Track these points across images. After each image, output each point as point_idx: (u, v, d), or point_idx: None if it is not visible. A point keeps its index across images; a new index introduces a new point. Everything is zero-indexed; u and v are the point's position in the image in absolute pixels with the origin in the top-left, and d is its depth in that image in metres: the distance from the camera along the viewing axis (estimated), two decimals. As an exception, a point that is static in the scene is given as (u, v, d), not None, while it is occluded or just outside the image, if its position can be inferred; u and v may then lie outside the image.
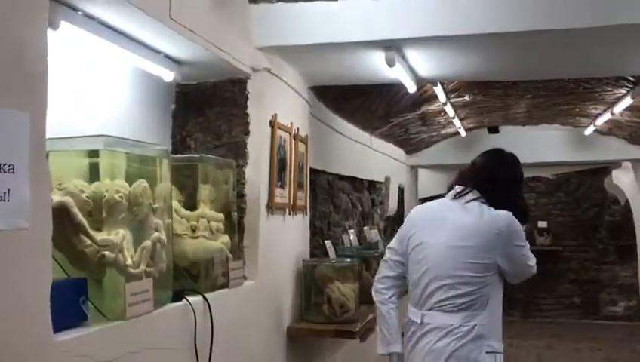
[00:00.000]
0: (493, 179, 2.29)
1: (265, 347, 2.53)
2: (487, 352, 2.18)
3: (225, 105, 2.50)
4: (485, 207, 2.23)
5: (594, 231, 9.09)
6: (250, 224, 2.48)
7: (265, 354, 2.52)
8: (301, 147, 3.00)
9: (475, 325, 2.18)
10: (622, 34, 2.40)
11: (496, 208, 2.22)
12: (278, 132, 2.65)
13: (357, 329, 2.82)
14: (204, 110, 2.51)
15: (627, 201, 7.63)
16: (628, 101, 4.30)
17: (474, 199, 2.24)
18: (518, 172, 2.38)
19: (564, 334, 7.98)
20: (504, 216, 2.21)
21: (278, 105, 2.68)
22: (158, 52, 2.15)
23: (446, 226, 2.23)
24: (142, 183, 1.69)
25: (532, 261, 2.32)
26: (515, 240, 2.23)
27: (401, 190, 6.43)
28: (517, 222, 2.22)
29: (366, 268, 3.51)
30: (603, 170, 8.30)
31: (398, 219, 6.40)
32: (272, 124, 2.60)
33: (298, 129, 2.94)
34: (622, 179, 7.54)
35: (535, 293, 9.02)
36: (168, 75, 2.25)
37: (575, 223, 9.18)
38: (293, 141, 2.86)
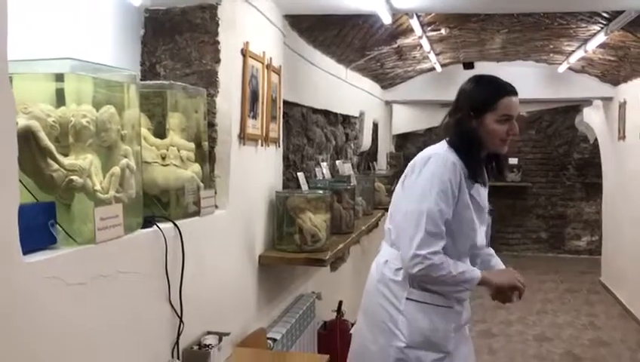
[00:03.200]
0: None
1: (236, 274, 2.58)
2: (407, 298, 2.07)
3: (195, 31, 2.45)
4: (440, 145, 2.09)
5: (563, 168, 9.31)
6: (222, 154, 2.48)
7: (236, 281, 2.58)
8: (274, 78, 2.97)
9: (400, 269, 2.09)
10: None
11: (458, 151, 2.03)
12: (251, 61, 2.61)
13: (327, 257, 2.89)
14: (174, 36, 2.45)
15: (596, 140, 7.78)
16: (601, 38, 4.31)
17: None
18: (465, 99, 2.05)
19: (529, 267, 8.28)
20: (427, 151, 2.05)
21: (251, 33, 2.63)
22: (124, -26, 2.08)
23: None
24: (109, 109, 1.66)
25: (414, 235, 1.93)
26: (407, 179, 2.04)
27: (375, 125, 6.45)
28: (431, 166, 1.97)
29: (338, 199, 3.56)
30: (574, 108, 8.40)
31: (372, 154, 6.45)
32: (244, 52, 2.55)
33: (271, 59, 2.90)
34: (592, 117, 7.66)
35: (503, 228, 9.28)
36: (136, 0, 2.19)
37: (545, 160, 9.37)
38: (266, 71, 2.83)
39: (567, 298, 6.73)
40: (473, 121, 2.01)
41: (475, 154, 2.05)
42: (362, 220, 4.13)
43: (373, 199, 4.73)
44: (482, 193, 2.12)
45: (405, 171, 2.11)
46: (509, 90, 2.04)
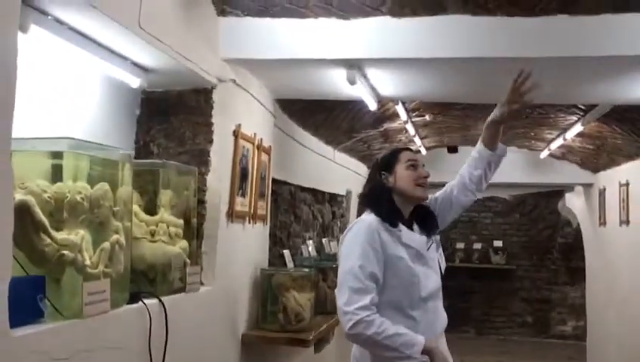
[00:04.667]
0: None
1: (219, 353, 2.57)
2: None
3: (190, 113, 2.56)
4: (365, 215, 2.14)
5: (547, 252, 9.39)
6: (210, 231, 2.53)
7: (220, 359, 2.56)
8: (264, 157, 3.07)
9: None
10: (572, 65, 2.56)
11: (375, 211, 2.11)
12: (241, 142, 2.72)
13: (310, 337, 2.88)
14: (169, 117, 2.56)
15: (579, 224, 7.91)
16: (578, 128, 4.51)
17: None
18: (373, 171, 2.22)
19: (515, 351, 8.19)
20: (350, 224, 2.12)
21: (243, 115, 2.75)
22: (125, 59, 2.20)
23: None
24: (103, 186, 1.73)
25: (341, 296, 1.95)
26: (339, 254, 2.11)
27: (361, 204, 6.54)
28: (350, 233, 2.05)
29: (323, 278, 3.58)
30: (557, 192, 8.59)
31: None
32: (236, 133, 2.66)
33: (262, 139, 3.00)
34: (574, 202, 7.82)
35: (489, 311, 9.24)
36: (135, 82, 2.30)
37: (529, 243, 9.46)
38: (256, 151, 2.93)
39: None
40: (389, 179, 2.16)
41: (390, 202, 2.13)
42: (347, 300, 4.11)
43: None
44: (417, 238, 2.14)
45: None
46: (403, 147, 2.34)
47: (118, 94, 2.43)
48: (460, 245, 9.33)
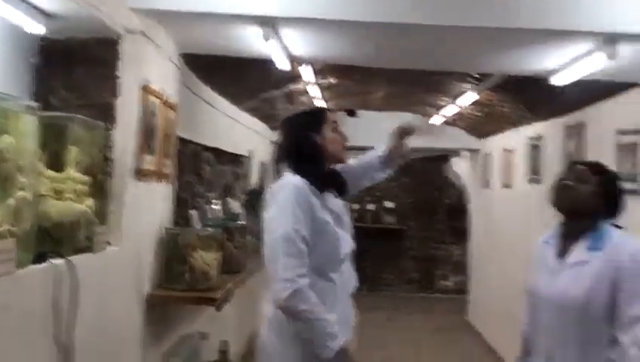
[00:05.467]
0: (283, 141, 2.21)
1: (125, 313, 2.51)
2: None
3: (94, 64, 2.42)
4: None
5: (434, 213, 9.94)
6: (116, 189, 2.44)
7: (125, 320, 2.51)
8: (170, 114, 2.97)
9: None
10: (475, 34, 2.68)
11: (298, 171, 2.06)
12: (149, 97, 2.61)
13: (218, 296, 2.88)
14: (71, 68, 2.41)
15: (463, 187, 8.43)
16: (474, 96, 4.76)
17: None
18: (296, 129, 2.16)
19: (402, 306, 8.68)
20: (277, 184, 2.06)
21: (150, 69, 2.64)
22: (23, 1, 2.03)
23: None
24: (7, 139, 1.61)
25: (275, 262, 1.92)
26: (265, 214, 2.04)
27: (263, 165, 6.54)
28: (280, 196, 2.00)
29: (228, 238, 3.57)
30: (445, 156, 9.06)
31: (258, 194, 6.51)
32: (144, 88, 2.55)
33: (168, 95, 2.90)
34: (460, 166, 8.31)
35: (381, 268, 9.68)
36: (35, 28, 2.13)
37: (418, 205, 9.96)
38: (162, 107, 2.83)
39: (436, 337, 7.12)
40: (317, 138, 2.12)
41: (321, 165, 2.13)
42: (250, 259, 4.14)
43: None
44: (337, 202, 2.17)
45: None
46: (325, 107, 2.35)
47: (13, 40, 2.24)
48: (355, 206, 9.63)
